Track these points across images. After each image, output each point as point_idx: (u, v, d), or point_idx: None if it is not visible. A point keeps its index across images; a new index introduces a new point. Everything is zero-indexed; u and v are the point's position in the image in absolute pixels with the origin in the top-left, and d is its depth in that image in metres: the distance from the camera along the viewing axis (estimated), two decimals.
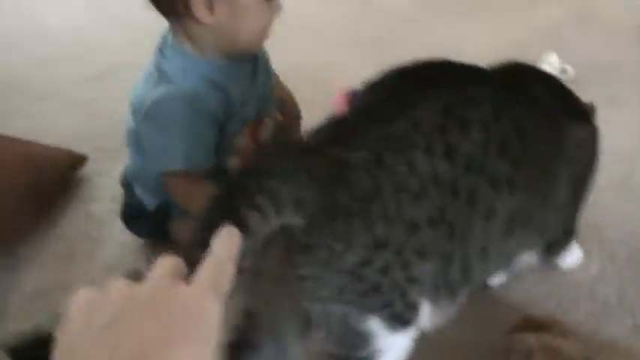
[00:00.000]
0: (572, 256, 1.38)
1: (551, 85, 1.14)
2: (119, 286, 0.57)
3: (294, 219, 0.86)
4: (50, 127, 1.83)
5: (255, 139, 1.42)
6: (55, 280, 1.41)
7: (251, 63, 1.38)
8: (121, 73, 2.00)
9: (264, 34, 1.31)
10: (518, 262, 1.17)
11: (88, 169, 1.67)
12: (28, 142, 1.66)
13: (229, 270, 0.60)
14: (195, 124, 1.28)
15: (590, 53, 1.97)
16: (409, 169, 0.90)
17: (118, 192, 1.58)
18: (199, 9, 1.23)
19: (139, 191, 1.46)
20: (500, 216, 0.97)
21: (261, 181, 0.85)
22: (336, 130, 0.95)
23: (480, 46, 2.00)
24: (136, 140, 1.39)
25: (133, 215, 1.48)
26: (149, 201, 1.44)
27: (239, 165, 1.40)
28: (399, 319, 0.97)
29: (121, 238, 1.49)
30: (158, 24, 2.11)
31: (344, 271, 0.90)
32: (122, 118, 1.79)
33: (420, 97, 0.95)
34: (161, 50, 1.34)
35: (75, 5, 2.43)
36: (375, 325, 0.96)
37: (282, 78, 1.55)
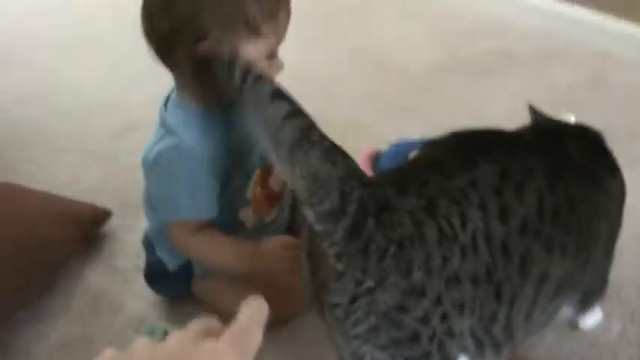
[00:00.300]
0: (593, 317, 1.38)
1: (581, 139, 1.15)
2: (143, 344, 0.57)
3: (329, 239, 0.89)
4: (74, 180, 1.85)
5: (266, 188, 1.44)
6: (80, 333, 1.43)
7: None
8: (144, 128, 2.03)
9: None
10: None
11: (112, 224, 1.69)
12: (52, 195, 1.68)
13: (257, 336, 0.60)
14: (197, 174, 1.31)
15: (605, 114, 1.99)
16: (461, 222, 0.91)
17: (142, 248, 1.61)
18: (202, 64, 1.26)
19: (159, 250, 1.48)
20: (553, 280, 0.98)
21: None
22: (394, 174, 0.98)
23: (498, 106, 2.03)
24: (148, 197, 1.42)
25: (155, 274, 1.50)
26: (169, 260, 1.46)
27: (253, 216, 1.42)
28: None
29: (145, 294, 1.50)
30: None
31: (378, 312, 0.91)
32: None
33: (478, 158, 0.97)
34: (165, 105, 1.38)
35: (98, 60, 2.47)
36: None
37: None
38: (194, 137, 1.31)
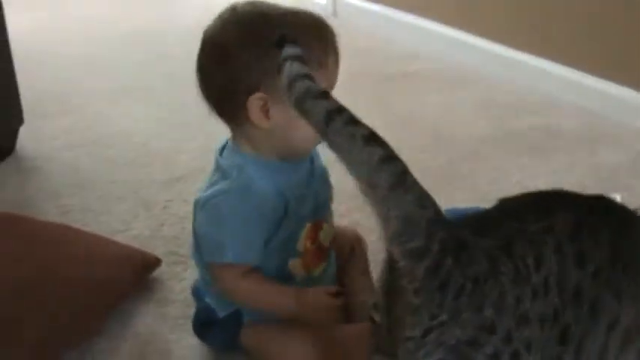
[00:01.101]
0: None
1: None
2: None
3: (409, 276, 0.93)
4: (125, 228, 1.88)
5: (316, 242, 1.46)
6: None
7: (308, 163, 1.45)
8: (194, 178, 2.08)
9: (317, 139, 1.34)
10: None
11: (161, 272, 1.70)
12: (107, 239, 1.72)
13: None
14: (246, 218, 1.33)
15: None
16: (536, 264, 0.93)
17: (190, 296, 1.62)
18: (256, 114, 1.32)
19: (208, 297, 1.49)
20: (621, 328, 0.99)
21: None
22: (471, 218, 1.01)
23: (542, 182, 2.04)
24: (197, 242, 1.45)
25: (204, 324, 1.50)
26: (219, 308, 1.46)
27: (302, 268, 1.44)
28: None
29: (192, 342, 1.51)
30: (229, 133, 2.20)
31: (448, 345, 0.93)
32: None
33: (553, 208, 1.00)
34: (220, 152, 1.42)
35: (148, 110, 2.53)
36: None
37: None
38: (248, 182, 1.35)
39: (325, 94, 0.99)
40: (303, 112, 1.00)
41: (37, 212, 1.92)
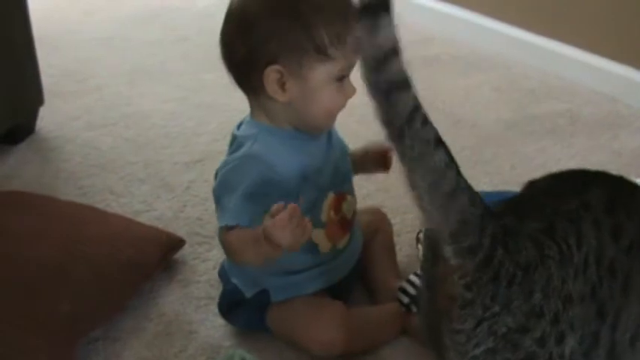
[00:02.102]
0: None
1: None
2: None
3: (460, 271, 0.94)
4: (147, 209, 1.88)
5: (339, 214, 1.46)
6: (153, 356, 1.44)
7: (325, 138, 1.45)
8: (215, 159, 2.06)
9: (334, 114, 1.38)
10: None
11: (184, 252, 1.71)
12: (131, 220, 1.72)
13: None
14: (259, 184, 1.34)
15: None
16: (577, 241, 0.95)
17: (214, 277, 1.63)
18: (272, 87, 1.32)
19: (233, 277, 1.49)
20: None
21: None
22: (509, 204, 1.02)
23: (563, 166, 2.01)
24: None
25: (230, 304, 1.51)
26: (246, 289, 1.47)
27: (327, 240, 1.45)
28: None
29: (217, 322, 1.52)
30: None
31: (498, 334, 0.94)
32: None
33: (587, 184, 1.02)
34: (238, 127, 1.43)
35: (167, 91, 2.52)
36: None
37: None
38: (260, 149, 1.35)
39: (409, 84, 0.92)
40: (383, 102, 0.92)
41: (57, 193, 1.92)
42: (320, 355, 1.40)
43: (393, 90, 0.90)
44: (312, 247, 1.43)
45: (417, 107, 0.91)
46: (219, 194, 1.39)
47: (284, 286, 1.45)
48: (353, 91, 1.34)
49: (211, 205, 1.84)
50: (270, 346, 1.45)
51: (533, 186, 1.09)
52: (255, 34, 1.33)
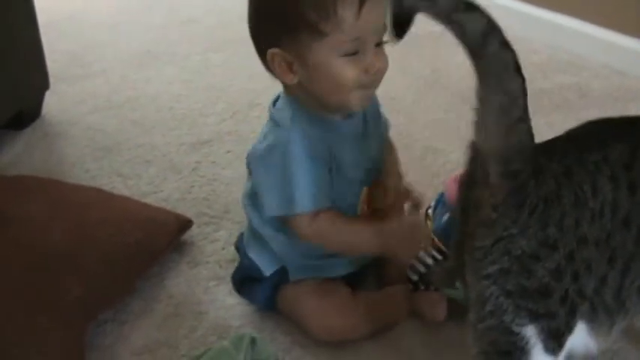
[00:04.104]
0: None
1: None
2: None
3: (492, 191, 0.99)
4: (153, 191, 1.88)
5: (370, 207, 1.45)
6: (162, 337, 1.44)
7: (361, 123, 1.41)
8: (221, 140, 2.07)
9: (346, 90, 1.29)
10: None
11: (191, 233, 1.70)
12: (138, 202, 1.72)
13: None
14: (310, 163, 1.31)
15: None
16: (593, 189, 0.99)
17: (223, 257, 1.63)
18: (279, 70, 1.30)
19: (252, 253, 1.48)
20: None
21: None
22: (544, 144, 1.04)
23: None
24: (253, 197, 1.43)
25: (244, 279, 1.51)
26: (265, 266, 1.46)
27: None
28: (556, 337, 1.01)
29: (226, 303, 1.51)
30: (256, 94, 2.20)
31: (512, 255, 0.98)
32: (223, 184, 1.86)
33: (612, 138, 1.04)
34: (274, 103, 1.40)
35: (172, 73, 2.52)
36: (530, 333, 1.01)
37: None
38: (299, 131, 1.32)
39: (474, 5, 0.92)
40: (454, 25, 0.92)
41: (64, 177, 1.92)
42: (326, 340, 1.39)
43: (452, 13, 0.92)
44: None
45: (490, 29, 0.91)
46: (270, 180, 1.34)
47: (305, 268, 1.44)
48: (377, 63, 1.27)
49: (218, 186, 1.86)
50: (280, 327, 1.45)
51: (568, 134, 1.10)
52: (256, 18, 1.32)
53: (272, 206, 1.35)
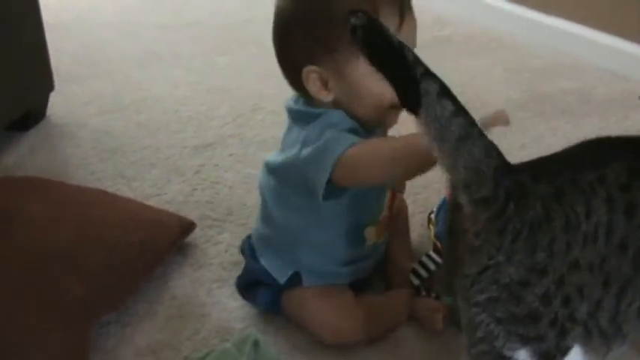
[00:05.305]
0: None
1: None
2: None
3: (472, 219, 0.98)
4: (157, 193, 1.89)
5: (390, 212, 1.47)
6: (165, 339, 1.45)
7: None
8: (225, 143, 2.08)
9: (385, 105, 1.29)
10: None
11: (195, 236, 1.71)
12: (142, 204, 1.73)
13: None
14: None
15: None
16: (586, 211, 0.97)
17: (226, 260, 1.64)
18: (313, 87, 1.31)
19: (266, 260, 1.48)
20: None
21: None
22: (532, 163, 1.04)
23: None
24: (277, 199, 1.43)
25: (249, 282, 1.51)
26: (279, 273, 1.45)
27: (375, 235, 1.45)
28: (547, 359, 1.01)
29: (229, 305, 1.53)
30: (260, 97, 2.20)
31: (501, 283, 0.98)
32: (226, 187, 1.86)
33: (609, 158, 1.02)
34: (295, 103, 1.38)
35: (177, 75, 2.52)
36: (523, 357, 1.01)
37: None
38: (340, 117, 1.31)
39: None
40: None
41: (69, 178, 1.93)
42: (331, 342, 1.40)
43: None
44: (360, 240, 1.44)
45: (415, 60, 0.99)
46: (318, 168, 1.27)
47: (323, 274, 1.44)
48: None
49: (221, 189, 1.88)
50: (283, 329, 1.46)
51: (562, 152, 1.10)
52: (287, 35, 1.32)
53: (318, 172, 1.27)
